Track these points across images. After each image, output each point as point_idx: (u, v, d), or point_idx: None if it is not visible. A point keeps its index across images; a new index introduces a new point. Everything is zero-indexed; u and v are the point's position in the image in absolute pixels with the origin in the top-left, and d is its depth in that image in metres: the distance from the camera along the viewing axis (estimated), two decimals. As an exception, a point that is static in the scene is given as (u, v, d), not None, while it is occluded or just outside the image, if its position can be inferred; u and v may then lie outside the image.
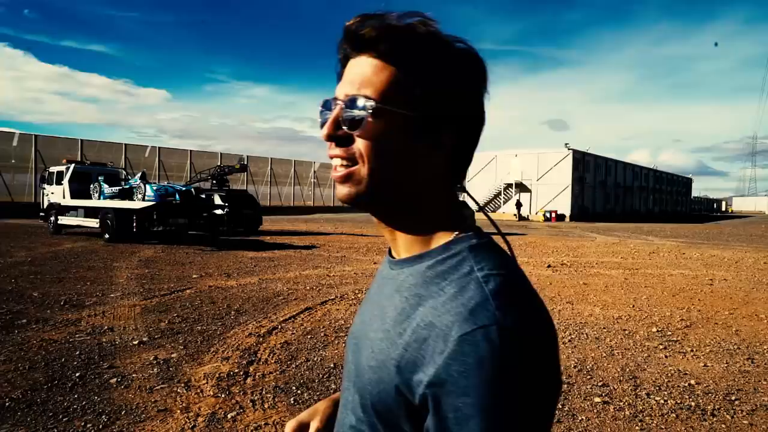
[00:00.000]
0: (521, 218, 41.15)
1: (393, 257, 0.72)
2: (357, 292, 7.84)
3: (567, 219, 41.88)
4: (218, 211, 17.32)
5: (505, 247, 0.67)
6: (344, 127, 0.63)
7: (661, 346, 5.22)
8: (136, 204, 14.00)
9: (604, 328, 5.91)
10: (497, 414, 0.51)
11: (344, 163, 0.64)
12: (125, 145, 37.47)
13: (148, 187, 14.41)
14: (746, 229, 34.41)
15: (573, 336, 5.51)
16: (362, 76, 0.63)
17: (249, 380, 4.05)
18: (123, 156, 36.19)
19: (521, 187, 44.89)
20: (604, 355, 4.88)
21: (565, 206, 42.88)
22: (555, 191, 43.66)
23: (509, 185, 45.52)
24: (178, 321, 5.77)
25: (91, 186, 16.17)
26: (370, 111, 0.62)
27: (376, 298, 0.71)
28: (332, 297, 7.40)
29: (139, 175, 15.87)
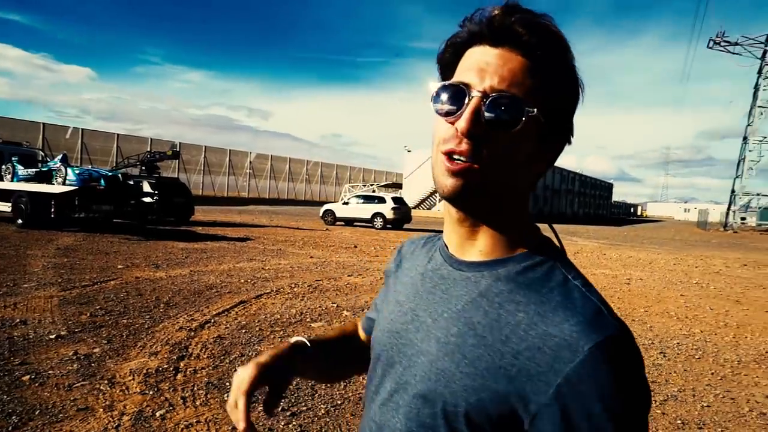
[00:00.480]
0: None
1: (451, 256, 0.71)
2: (293, 285, 7.72)
3: (499, 218, 43.33)
4: (147, 199, 16.49)
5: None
6: (483, 123, 0.61)
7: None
8: (56, 188, 13.00)
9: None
10: (630, 421, 0.54)
11: (469, 153, 0.62)
12: (43, 124, 34.89)
13: (69, 170, 13.44)
14: (658, 232, 37.22)
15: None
16: (512, 73, 0.62)
17: (179, 376, 3.87)
18: (41, 136, 33.65)
19: (457, 186, 45.93)
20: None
21: (497, 206, 44.36)
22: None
23: (445, 184, 46.44)
24: (101, 314, 5.43)
25: (2, 167, 14.87)
26: (525, 117, 0.61)
27: (435, 297, 0.69)
28: (268, 291, 7.24)
29: (59, 157, 14.76)
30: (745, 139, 46.19)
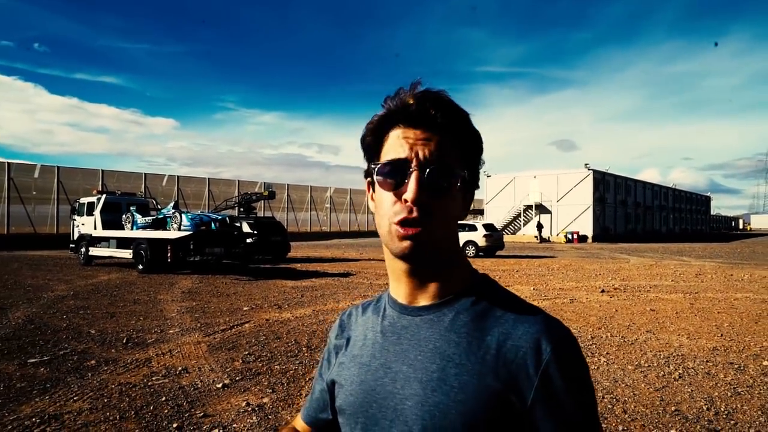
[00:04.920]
0: (542, 240, 40.60)
1: (405, 306, 0.79)
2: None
3: (589, 240, 41.24)
4: (248, 240, 17.11)
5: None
6: (425, 190, 0.71)
7: (781, 382, 4.79)
8: (173, 234, 13.79)
9: (707, 361, 5.49)
10: (587, 387, 0.71)
11: (418, 220, 0.71)
12: (144, 174, 37.69)
13: (183, 216, 14.23)
14: (776, 247, 33.58)
15: (681, 372, 5.10)
16: (437, 147, 0.73)
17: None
18: (143, 185, 36.35)
19: (541, 209, 44.44)
20: (730, 394, 4.46)
21: (586, 227, 42.30)
22: (576, 212, 43.15)
23: (528, 207, 45.09)
24: (252, 360, 5.44)
25: (123, 216, 16.03)
26: (458, 180, 0.74)
27: (404, 346, 0.76)
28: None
29: (171, 204, 15.75)
30: None
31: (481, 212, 47.28)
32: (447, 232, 0.75)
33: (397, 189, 0.72)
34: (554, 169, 46.10)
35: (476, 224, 22.33)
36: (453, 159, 0.74)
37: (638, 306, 9.06)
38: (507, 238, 41.85)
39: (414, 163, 0.72)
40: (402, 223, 0.71)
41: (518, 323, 0.71)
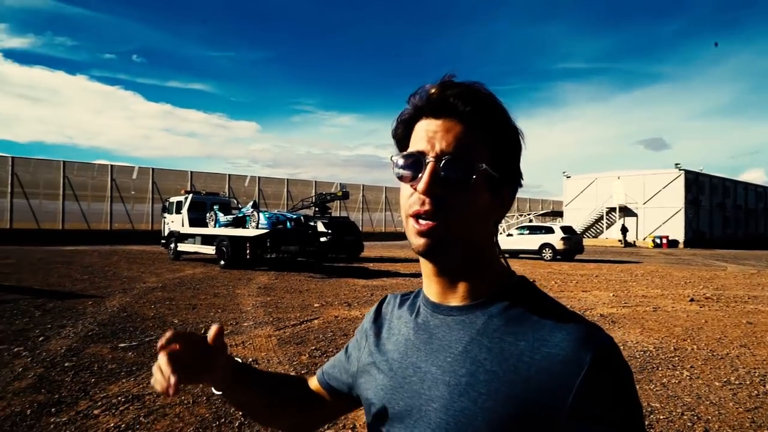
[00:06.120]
0: (627, 244, 38.40)
1: (437, 305, 0.76)
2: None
3: (680, 245, 38.43)
4: (322, 239, 17.58)
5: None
6: (440, 184, 0.68)
7: None
8: (251, 231, 14.47)
9: (812, 381, 4.92)
10: (632, 407, 0.63)
11: (432, 213, 0.69)
12: (228, 175, 39.87)
13: (261, 215, 14.89)
14: None
15: (778, 390, 4.61)
16: (456, 138, 0.70)
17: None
18: (227, 185, 38.48)
19: (626, 211, 42.02)
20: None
21: (677, 231, 39.45)
22: (665, 215, 40.37)
23: (612, 209, 42.79)
24: (318, 354, 5.58)
25: (207, 215, 17.07)
26: (476, 172, 0.69)
27: (434, 346, 0.73)
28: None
29: (250, 203, 16.52)
30: None
31: (560, 214, 45.50)
32: (469, 229, 0.71)
33: (414, 182, 0.70)
34: (640, 169, 43.39)
35: (554, 227, 21.53)
36: (475, 150, 0.70)
37: (732, 318, 8.30)
38: (588, 241, 39.96)
39: (431, 155, 0.69)
40: (417, 216, 0.70)
41: (555, 329, 0.66)
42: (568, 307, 0.71)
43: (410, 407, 0.72)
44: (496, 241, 0.79)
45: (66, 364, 4.97)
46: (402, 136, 0.77)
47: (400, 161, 0.73)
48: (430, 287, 0.77)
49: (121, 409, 3.89)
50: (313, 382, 0.99)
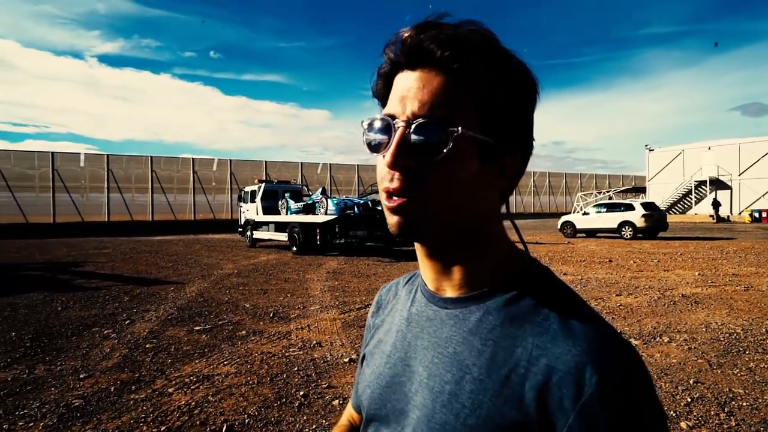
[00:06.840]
0: (719, 219, 35.48)
1: (433, 294, 0.67)
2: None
3: (783, 219, 34.94)
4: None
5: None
6: (411, 153, 0.57)
7: None
8: (320, 218, 14.83)
9: None
10: None
11: (401, 189, 0.58)
12: (301, 163, 41.04)
13: (329, 201, 15.20)
14: None
15: None
16: (432, 95, 0.57)
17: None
18: (300, 173, 39.66)
19: (717, 184, 38.78)
20: None
21: (779, 204, 35.86)
22: (765, 186, 36.82)
23: (702, 182, 39.64)
24: (380, 337, 5.64)
25: (279, 203, 17.67)
26: (452, 138, 0.57)
27: (424, 342, 0.64)
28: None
29: (319, 190, 16.90)
30: None
31: (642, 190, 42.81)
32: (453, 204, 0.59)
33: (386, 150, 0.60)
34: (736, 137, 39.74)
35: (634, 203, 20.28)
36: (456, 108, 0.57)
37: (841, 298, 7.43)
38: (676, 218, 37.35)
39: (402, 118, 0.58)
40: (388, 193, 0.59)
41: (560, 337, 0.54)
42: (593, 307, 0.61)
43: (397, 412, 0.64)
44: (509, 213, 0.67)
45: (147, 346, 5.37)
46: (383, 94, 0.65)
47: (369, 127, 0.62)
48: (425, 271, 0.68)
49: (192, 388, 4.14)
50: (350, 413, 0.89)
